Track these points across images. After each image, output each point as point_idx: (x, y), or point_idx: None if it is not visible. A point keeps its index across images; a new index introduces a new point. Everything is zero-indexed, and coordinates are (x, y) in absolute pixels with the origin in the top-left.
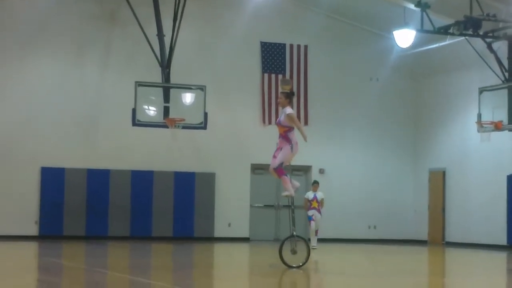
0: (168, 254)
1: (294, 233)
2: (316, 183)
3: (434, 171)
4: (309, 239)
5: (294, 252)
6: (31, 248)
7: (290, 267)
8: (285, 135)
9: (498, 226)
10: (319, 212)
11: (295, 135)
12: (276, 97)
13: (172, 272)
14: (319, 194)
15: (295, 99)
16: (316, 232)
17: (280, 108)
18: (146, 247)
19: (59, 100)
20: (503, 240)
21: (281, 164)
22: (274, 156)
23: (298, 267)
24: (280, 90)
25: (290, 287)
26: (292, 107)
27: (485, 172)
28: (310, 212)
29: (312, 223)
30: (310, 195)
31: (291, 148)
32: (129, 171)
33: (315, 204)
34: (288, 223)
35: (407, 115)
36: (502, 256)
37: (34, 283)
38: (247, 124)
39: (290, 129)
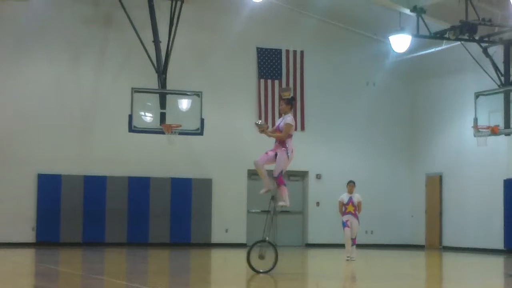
0: (165, 260)
1: (267, 238)
2: (351, 183)
3: (431, 175)
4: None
5: (262, 257)
6: (28, 255)
7: (257, 272)
8: (282, 141)
9: (495, 230)
10: (356, 217)
11: (292, 142)
12: (273, 103)
13: (169, 277)
14: (356, 196)
15: None
16: (354, 240)
17: (282, 114)
18: (143, 253)
19: (55, 107)
20: (500, 244)
21: (281, 172)
22: (266, 153)
23: (265, 272)
24: (281, 98)
25: None
26: (292, 113)
27: (481, 176)
28: (345, 218)
29: (347, 230)
30: (345, 197)
31: (287, 154)
32: (125, 178)
33: (350, 208)
34: (285, 229)
35: (403, 120)
36: (499, 260)
37: None
38: (243, 130)
39: (289, 136)
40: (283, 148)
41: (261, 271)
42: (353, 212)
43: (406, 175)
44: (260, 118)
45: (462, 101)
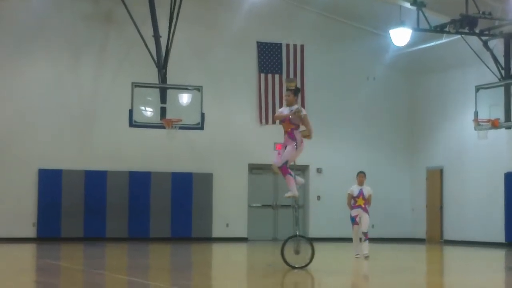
0: (166, 254)
1: (298, 232)
2: (362, 173)
3: (432, 169)
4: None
5: (297, 252)
6: (29, 250)
7: (293, 267)
8: (291, 133)
9: (496, 223)
10: (366, 211)
11: (300, 133)
12: (273, 97)
13: (170, 272)
14: (366, 189)
15: None
16: (366, 235)
17: (284, 105)
18: (144, 248)
19: (55, 102)
20: (501, 237)
21: (286, 162)
22: (279, 154)
23: (301, 267)
24: (286, 88)
25: (288, 287)
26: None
27: (482, 170)
28: (354, 212)
29: (355, 227)
30: (355, 190)
31: (296, 146)
32: (126, 172)
33: (361, 202)
34: (286, 223)
35: (404, 113)
36: (500, 253)
37: (32, 285)
38: (244, 124)
39: (297, 127)
40: (292, 140)
41: (296, 266)
42: (363, 205)
43: (407, 169)
44: (260, 112)
45: (462, 95)
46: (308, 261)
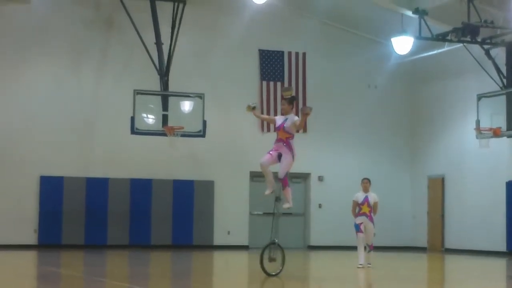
0: (167, 262)
1: (276, 240)
2: (366, 180)
3: (433, 177)
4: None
5: (272, 259)
6: (30, 257)
7: (270, 275)
8: (287, 142)
9: (497, 232)
10: (371, 219)
11: (293, 142)
12: (275, 105)
13: (171, 280)
14: (372, 196)
15: None
16: (371, 246)
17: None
18: (145, 256)
19: (57, 109)
20: (502, 246)
21: (287, 174)
22: (270, 154)
23: (276, 275)
24: (282, 98)
25: None
26: (295, 112)
27: (484, 178)
28: (359, 220)
29: (360, 235)
30: (360, 196)
31: (293, 156)
32: (128, 180)
33: (365, 209)
34: (288, 231)
35: (405, 122)
36: (501, 262)
37: None
38: (245, 132)
39: (292, 136)
40: (288, 149)
41: (273, 274)
42: (368, 213)
43: (408, 177)
44: (262, 120)
45: (464, 103)
46: (280, 267)
